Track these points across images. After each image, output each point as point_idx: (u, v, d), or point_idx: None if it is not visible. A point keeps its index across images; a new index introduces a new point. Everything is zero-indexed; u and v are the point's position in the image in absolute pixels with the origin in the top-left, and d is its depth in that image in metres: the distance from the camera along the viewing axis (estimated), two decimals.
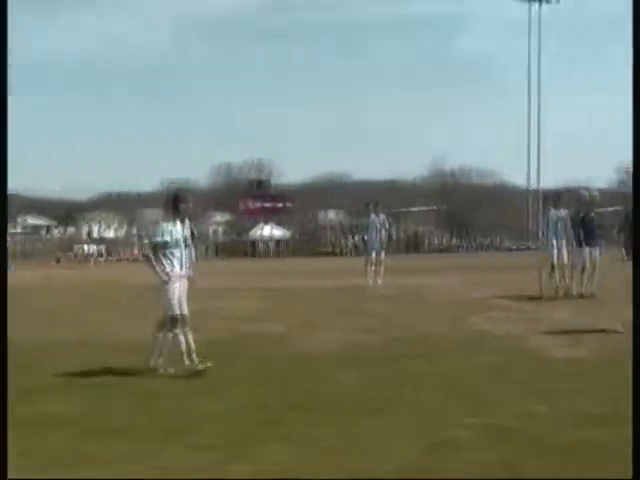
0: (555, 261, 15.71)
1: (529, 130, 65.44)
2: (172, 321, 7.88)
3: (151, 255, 8.07)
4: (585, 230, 15.55)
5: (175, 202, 8.19)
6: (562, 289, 15.59)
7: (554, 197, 17.07)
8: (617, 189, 74.85)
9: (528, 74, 65.37)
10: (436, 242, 63.91)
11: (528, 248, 57.59)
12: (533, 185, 66.03)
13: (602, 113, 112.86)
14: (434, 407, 6.43)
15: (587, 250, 15.45)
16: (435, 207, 71.90)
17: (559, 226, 15.82)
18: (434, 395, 6.90)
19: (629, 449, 4.95)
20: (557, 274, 15.70)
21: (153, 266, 8.00)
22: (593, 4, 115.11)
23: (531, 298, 15.44)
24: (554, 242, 15.78)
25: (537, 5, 63.58)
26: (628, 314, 10.34)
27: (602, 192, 23.11)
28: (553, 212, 16.12)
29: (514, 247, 60.71)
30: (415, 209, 70.44)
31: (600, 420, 5.84)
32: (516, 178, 77.05)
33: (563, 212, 16.06)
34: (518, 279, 22.25)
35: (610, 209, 59.46)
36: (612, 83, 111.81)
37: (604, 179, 77.36)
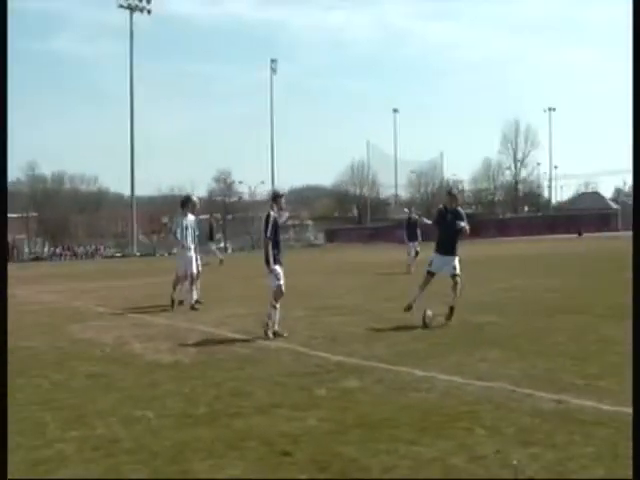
0: (184, 270, 14.95)
1: (132, 138, 65.82)
2: None
3: None
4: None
5: None
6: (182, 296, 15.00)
7: (182, 202, 15.77)
8: (212, 197, 78.58)
9: (130, 80, 65.81)
10: (32, 250, 61.39)
11: (130, 255, 58.04)
12: (136, 192, 66.59)
13: (193, 121, 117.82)
14: (35, 424, 6.13)
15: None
16: (30, 214, 69.08)
17: (190, 232, 15.08)
18: (34, 411, 6.56)
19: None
20: (183, 282, 15.05)
21: None
22: (179, 17, 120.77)
23: (134, 306, 15.49)
24: (188, 251, 15.05)
25: (135, 13, 64.41)
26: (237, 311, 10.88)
27: (201, 200, 23.75)
28: (185, 217, 15.23)
29: (116, 254, 60.71)
30: (9, 215, 66.94)
31: (203, 419, 6.06)
32: (117, 185, 77.23)
33: (192, 217, 15.27)
34: (121, 286, 22.29)
35: (203, 217, 62.25)
36: (220, 92, 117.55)
37: (204, 187, 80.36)
